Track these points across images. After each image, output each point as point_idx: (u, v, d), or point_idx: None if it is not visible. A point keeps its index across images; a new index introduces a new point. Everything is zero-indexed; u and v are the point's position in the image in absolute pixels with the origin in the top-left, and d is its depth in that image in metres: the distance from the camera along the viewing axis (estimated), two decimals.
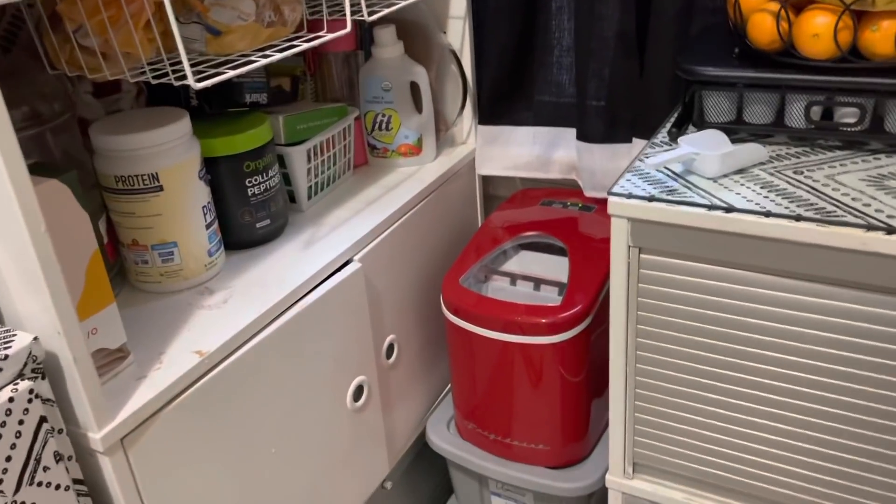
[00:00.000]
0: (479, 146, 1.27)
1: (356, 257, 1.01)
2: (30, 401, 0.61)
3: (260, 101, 1.05)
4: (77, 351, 0.65)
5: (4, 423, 0.60)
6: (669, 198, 0.77)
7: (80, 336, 0.65)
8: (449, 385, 1.31)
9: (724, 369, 0.81)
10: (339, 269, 0.98)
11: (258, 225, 0.98)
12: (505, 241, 1.15)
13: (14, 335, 0.63)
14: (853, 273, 0.70)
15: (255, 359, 0.85)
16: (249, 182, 0.96)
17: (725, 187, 0.77)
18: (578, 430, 1.10)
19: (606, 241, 1.11)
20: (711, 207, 0.74)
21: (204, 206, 0.90)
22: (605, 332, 1.10)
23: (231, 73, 0.73)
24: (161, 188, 0.85)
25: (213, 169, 0.93)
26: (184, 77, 0.72)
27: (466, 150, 1.27)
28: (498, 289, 1.16)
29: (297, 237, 1.02)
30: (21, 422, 0.61)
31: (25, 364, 0.62)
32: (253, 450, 0.87)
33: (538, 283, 1.16)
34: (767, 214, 0.72)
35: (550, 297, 1.13)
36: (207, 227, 0.90)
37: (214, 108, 1.02)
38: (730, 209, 0.74)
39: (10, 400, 0.60)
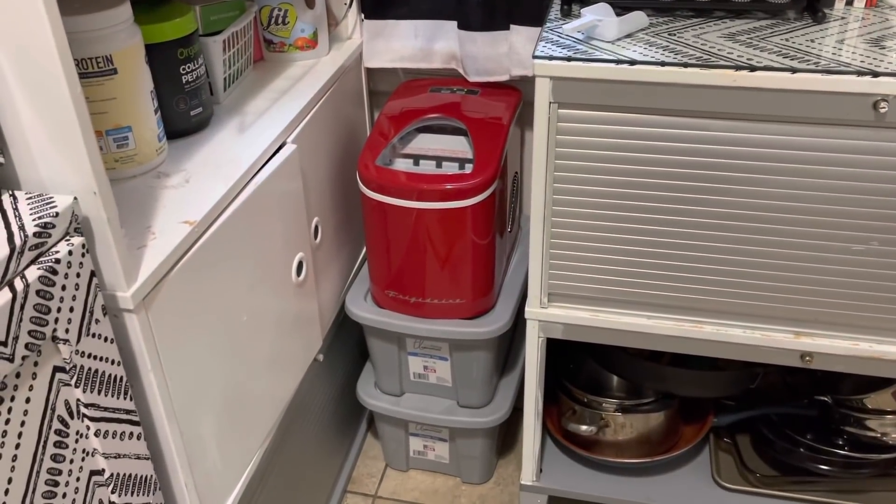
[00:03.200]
0: (366, 40, 1.36)
1: (289, 140, 1.07)
2: (83, 255, 0.65)
3: None
4: (110, 210, 0.68)
5: (67, 274, 0.63)
6: (584, 56, 0.93)
7: (112, 196, 0.68)
8: (358, 264, 1.42)
9: (626, 199, 1.01)
10: (276, 152, 1.04)
11: (192, 113, 1.01)
12: (408, 124, 1.27)
13: (52, 197, 0.65)
14: (727, 105, 0.92)
15: (227, 232, 0.91)
16: (183, 69, 0.98)
17: (623, 47, 0.95)
18: (488, 284, 1.27)
19: (497, 118, 1.27)
20: (618, 62, 0.92)
21: (151, 92, 0.92)
22: (502, 196, 1.27)
23: None
24: (115, 71, 0.86)
25: (147, 57, 0.95)
26: None
27: (354, 45, 1.35)
28: (403, 168, 1.28)
29: (227, 125, 1.06)
30: (78, 275, 0.65)
31: (70, 223, 0.65)
32: (231, 317, 0.94)
33: (439, 160, 1.29)
34: (662, 64, 0.91)
35: (453, 171, 1.27)
36: (155, 112, 0.93)
37: None
38: (633, 62, 0.92)
39: (70, 253, 0.63)
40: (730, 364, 1.28)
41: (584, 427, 1.30)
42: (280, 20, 1.23)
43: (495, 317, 1.29)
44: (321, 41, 1.28)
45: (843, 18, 1.01)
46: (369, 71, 1.42)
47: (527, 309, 1.14)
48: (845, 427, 1.25)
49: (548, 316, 1.14)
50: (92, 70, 0.85)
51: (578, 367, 1.41)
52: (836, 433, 1.26)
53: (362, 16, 1.34)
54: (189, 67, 0.99)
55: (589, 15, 0.96)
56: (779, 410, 1.33)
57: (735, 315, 1.08)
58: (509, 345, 1.48)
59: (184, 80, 0.99)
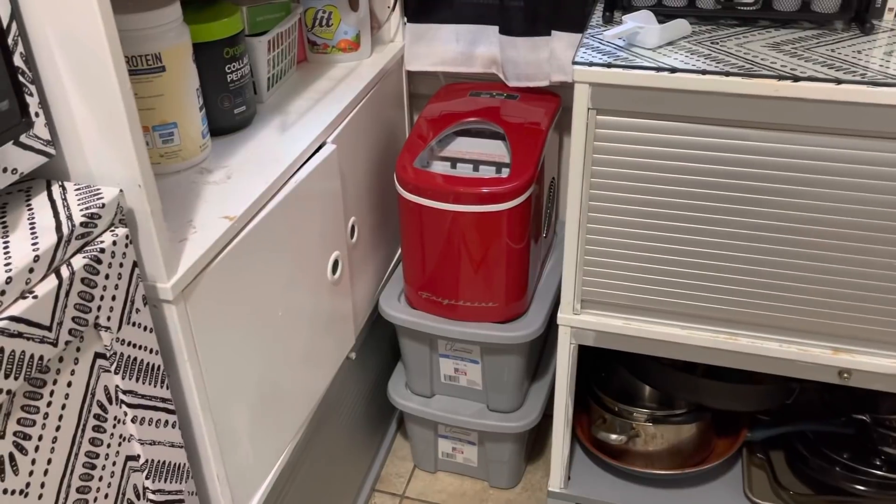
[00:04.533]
0: (408, 44, 1.37)
1: (329, 140, 1.09)
2: (126, 246, 0.67)
3: None
4: (154, 203, 0.70)
5: (111, 264, 0.65)
6: (624, 63, 0.93)
7: (156, 190, 0.70)
8: (392, 265, 1.43)
9: (663, 208, 1.01)
10: (316, 152, 1.06)
11: (236, 111, 1.04)
12: (447, 127, 1.28)
13: (99, 189, 0.67)
14: (767, 116, 0.91)
15: (266, 228, 0.93)
16: (229, 68, 1.01)
17: (664, 55, 0.95)
18: (521, 288, 1.28)
19: (535, 123, 1.27)
20: (659, 69, 0.92)
21: (197, 89, 0.94)
22: (539, 202, 1.27)
23: None
24: (163, 69, 0.88)
25: (194, 55, 0.97)
26: None
27: (396, 48, 1.36)
28: (441, 171, 1.29)
29: (269, 124, 1.08)
30: (121, 265, 0.67)
31: (116, 214, 0.67)
32: (267, 311, 0.95)
33: (476, 164, 1.30)
34: (704, 72, 0.90)
35: (490, 175, 1.27)
36: (200, 109, 0.95)
37: None
38: (673, 70, 0.91)
39: (114, 243, 0.65)
40: (766, 378, 1.26)
41: (613, 436, 1.29)
42: (324, 22, 1.25)
43: (527, 321, 1.29)
44: (363, 43, 1.29)
45: (891, 30, 0.99)
46: (410, 74, 1.43)
47: (559, 315, 1.14)
48: (883, 447, 1.23)
49: (580, 322, 1.13)
50: (141, 67, 0.87)
51: (610, 375, 1.40)
52: (874, 453, 1.23)
53: (405, 19, 1.36)
54: (234, 66, 1.01)
55: (630, 22, 0.96)
56: (815, 427, 1.30)
57: (771, 328, 1.06)
58: (541, 350, 1.48)
59: (229, 79, 1.01)
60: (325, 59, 1.29)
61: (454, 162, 1.30)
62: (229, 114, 1.03)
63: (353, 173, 1.19)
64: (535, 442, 1.58)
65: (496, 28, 1.32)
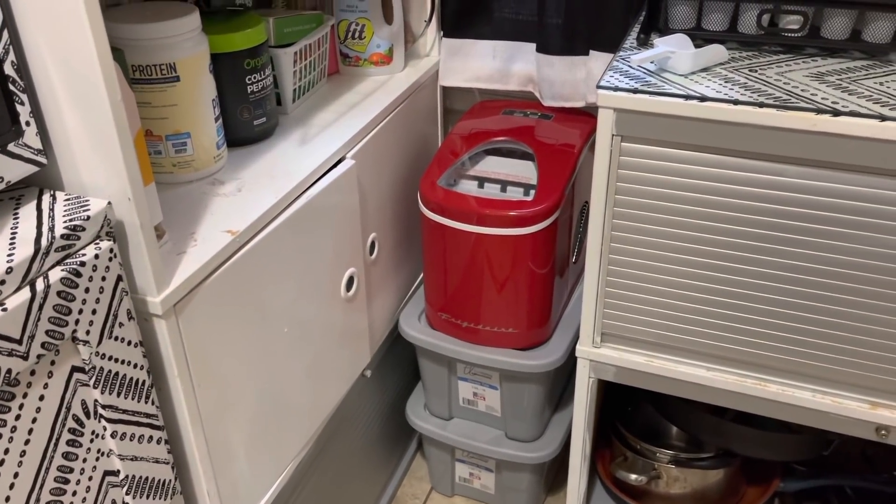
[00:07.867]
0: (443, 58, 1.34)
1: (348, 155, 1.07)
2: (110, 259, 0.66)
3: (246, 4, 1.08)
4: (143, 217, 0.69)
5: (91, 277, 0.64)
6: (651, 89, 0.88)
7: (146, 203, 0.69)
8: (416, 283, 1.41)
9: (690, 242, 0.95)
10: (334, 167, 1.04)
11: (255, 122, 1.03)
12: (474, 146, 1.24)
13: (87, 200, 0.66)
14: (803, 151, 0.84)
15: (273, 243, 0.91)
16: (249, 80, 1.00)
17: (696, 82, 0.90)
18: (543, 315, 1.23)
19: (568, 145, 1.23)
20: (688, 97, 0.87)
21: (213, 100, 0.93)
22: (567, 226, 1.23)
23: None
24: (178, 79, 0.88)
25: (214, 66, 0.96)
26: None
27: (430, 63, 1.34)
28: (467, 191, 1.26)
29: (290, 136, 1.07)
30: (104, 278, 0.66)
31: (102, 227, 0.66)
32: (270, 327, 0.94)
33: (504, 184, 1.26)
34: (735, 102, 0.85)
35: (517, 197, 1.24)
36: (216, 120, 0.94)
37: (211, 6, 1.04)
38: (703, 98, 0.86)
39: (96, 257, 0.64)
40: (802, 426, 1.18)
41: (633, 476, 1.23)
42: (357, 35, 1.24)
43: (549, 350, 1.24)
44: (396, 57, 1.27)
45: None
46: (445, 89, 1.40)
47: (578, 347, 1.09)
48: None
49: (599, 356, 1.08)
50: (155, 76, 0.87)
51: (636, 411, 1.34)
52: None
53: (441, 33, 1.33)
54: (255, 78, 1.00)
55: (661, 46, 0.91)
56: (854, 483, 1.22)
57: (804, 377, 0.99)
58: (567, 379, 1.43)
59: (249, 90, 1.00)
60: (356, 72, 1.27)
61: (482, 181, 1.27)
62: (248, 125, 1.02)
63: (376, 189, 1.17)
64: (559, 472, 1.52)
65: (534, 45, 1.29)
